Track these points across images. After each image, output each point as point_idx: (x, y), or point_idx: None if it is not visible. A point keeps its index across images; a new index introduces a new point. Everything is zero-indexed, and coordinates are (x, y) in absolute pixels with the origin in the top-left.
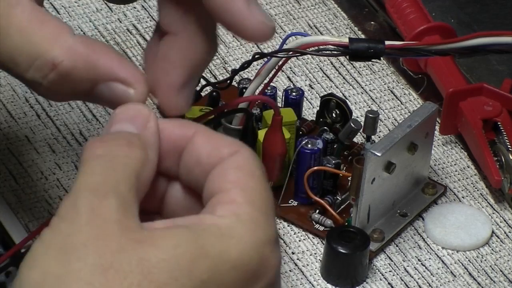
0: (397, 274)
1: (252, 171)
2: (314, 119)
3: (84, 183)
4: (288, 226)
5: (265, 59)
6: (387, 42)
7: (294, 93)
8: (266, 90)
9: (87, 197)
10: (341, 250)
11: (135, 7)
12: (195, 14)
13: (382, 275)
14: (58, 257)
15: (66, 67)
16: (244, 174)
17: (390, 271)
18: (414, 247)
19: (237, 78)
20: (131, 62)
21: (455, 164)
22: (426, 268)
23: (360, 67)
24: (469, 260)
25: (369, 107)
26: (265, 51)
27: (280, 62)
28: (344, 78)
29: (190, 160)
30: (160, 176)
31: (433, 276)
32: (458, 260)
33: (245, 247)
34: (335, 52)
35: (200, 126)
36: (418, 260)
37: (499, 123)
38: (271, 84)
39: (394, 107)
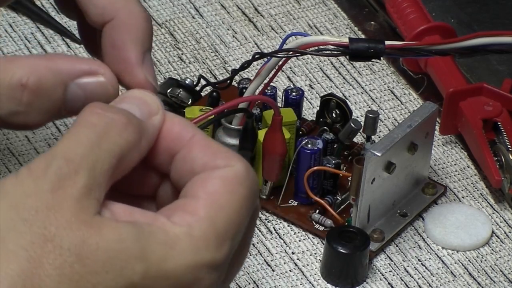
0: (397, 274)
1: (234, 189)
2: (314, 119)
3: (65, 149)
4: (288, 226)
5: (265, 59)
6: (387, 42)
7: (294, 93)
8: (266, 90)
9: (61, 165)
10: (341, 250)
11: None
12: None
13: (382, 275)
14: (8, 211)
15: (35, 81)
16: (224, 189)
17: (390, 271)
18: (414, 247)
19: (237, 78)
20: None
21: (455, 164)
22: (426, 268)
23: (360, 67)
24: (469, 260)
25: (369, 107)
26: (265, 51)
27: (280, 62)
28: (344, 78)
29: (183, 167)
30: (153, 170)
31: (433, 276)
32: (458, 260)
33: (183, 262)
34: (335, 52)
35: (198, 131)
36: (418, 260)
37: (499, 123)
38: (271, 84)
39: (394, 107)
